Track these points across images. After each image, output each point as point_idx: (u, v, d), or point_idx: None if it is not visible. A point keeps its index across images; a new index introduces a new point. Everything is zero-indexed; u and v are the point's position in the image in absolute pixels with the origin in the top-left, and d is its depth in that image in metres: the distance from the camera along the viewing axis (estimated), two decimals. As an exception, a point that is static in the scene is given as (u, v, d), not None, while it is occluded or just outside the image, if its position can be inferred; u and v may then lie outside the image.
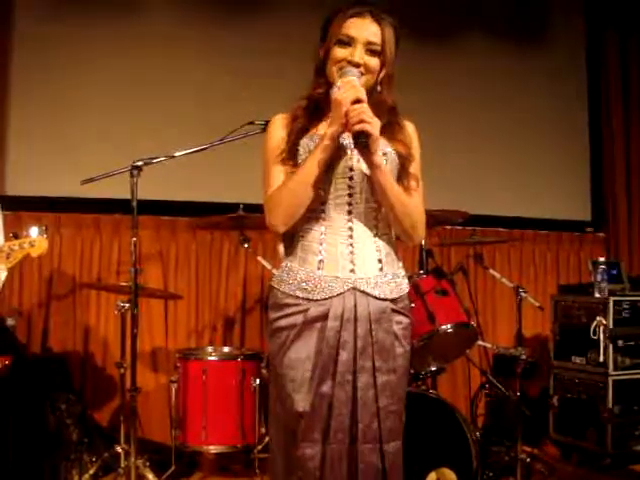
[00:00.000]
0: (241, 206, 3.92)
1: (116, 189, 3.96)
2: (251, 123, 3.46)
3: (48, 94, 4.72)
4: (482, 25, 5.66)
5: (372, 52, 2.24)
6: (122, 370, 3.89)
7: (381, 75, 2.28)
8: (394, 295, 2.31)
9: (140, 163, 3.57)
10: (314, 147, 2.21)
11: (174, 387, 4.09)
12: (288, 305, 2.27)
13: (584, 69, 6.08)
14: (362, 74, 2.23)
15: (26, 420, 3.74)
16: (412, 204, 2.27)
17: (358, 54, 2.23)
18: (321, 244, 2.26)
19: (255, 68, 4.91)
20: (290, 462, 2.26)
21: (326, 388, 2.21)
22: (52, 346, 4.65)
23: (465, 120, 5.53)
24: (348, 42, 2.23)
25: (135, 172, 3.57)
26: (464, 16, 5.62)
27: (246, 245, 4.08)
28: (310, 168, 2.18)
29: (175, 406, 4.08)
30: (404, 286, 2.36)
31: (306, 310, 2.24)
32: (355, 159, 2.25)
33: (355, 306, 2.24)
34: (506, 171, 5.64)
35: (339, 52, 2.24)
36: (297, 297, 2.26)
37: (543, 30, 5.91)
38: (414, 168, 2.32)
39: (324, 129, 2.22)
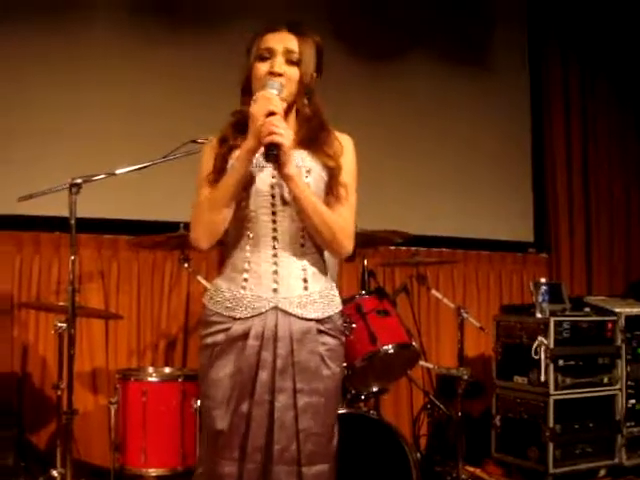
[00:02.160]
0: (181, 225, 3.88)
1: (57, 207, 3.90)
2: (194, 141, 3.43)
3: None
4: (423, 44, 5.70)
5: (291, 62, 2.27)
6: (59, 392, 3.78)
7: (302, 85, 2.29)
8: (320, 315, 2.29)
9: (79, 180, 3.50)
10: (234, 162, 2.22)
11: (113, 409, 4.00)
12: (214, 323, 2.29)
13: (527, 89, 6.18)
14: (283, 85, 2.24)
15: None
16: (333, 216, 2.27)
17: (278, 64, 2.26)
18: (247, 263, 2.27)
19: (200, 86, 4.89)
20: (211, 478, 2.27)
21: (245, 407, 2.21)
22: (-12, 367, 4.53)
23: (408, 140, 5.57)
24: (268, 56, 2.27)
25: (74, 189, 3.49)
26: (405, 35, 5.65)
27: (186, 265, 4.03)
28: (226, 184, 2.20)
29: (114, 428, 4.00)
30: (333, 306, 2.34)
31: (228, 329, 2.25)
32: (276, 174, 2.26)
33: (276, 326, 2.24)
34: (449, 192, 5.67)
35: (261, 67, 2.27)
36: (222, 315, 2.27)
37: (485, 47, 5.99)
38: (344, 177, 2.31)
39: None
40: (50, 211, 4.30)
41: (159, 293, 4.88)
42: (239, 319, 2.25)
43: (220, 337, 2.26)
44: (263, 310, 2.24)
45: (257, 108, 2.15)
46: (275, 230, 2.27)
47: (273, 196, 2.26)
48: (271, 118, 2.13)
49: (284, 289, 2.26)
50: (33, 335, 4.61)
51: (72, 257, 3.52)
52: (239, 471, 2.20)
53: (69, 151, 4.61)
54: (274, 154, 2.12)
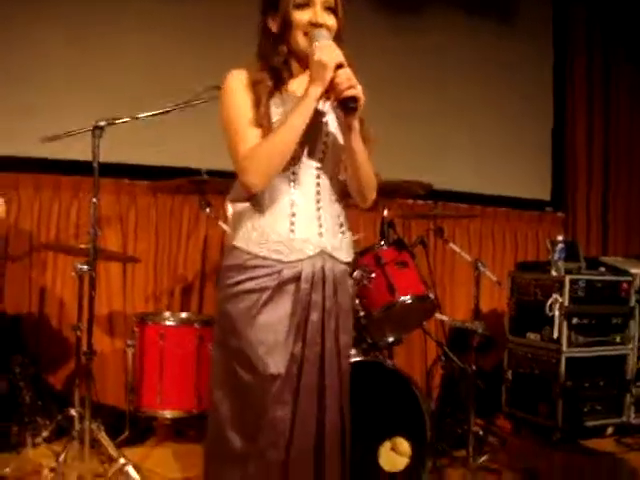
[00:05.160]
0: (203, 170, 3.87)
1: (76, 150, 3.90)
2: (217, 87, 3.40)
3: (4, 53, 4.58)
4: (452, 1, 5.66)
5: (329, 10, 2.25)
6: (78, 333, 3.78)
7: (339, 34, 2.27)
8: (350, 259, 2.40)
9: (103, 123, 3.50)
10: (295, 106, 2.17)
11: (130, 351, 4.07)
12: (258, 267, 2.24)
13: (550, 49, 6.13)
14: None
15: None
16: (371, 166, 2.32)
17: (319, 13, 2.22)
18: (292, 206, 2.27)
19: (218, 33, 4.86)
20: (248, 429, 2.22)
21: (297, 349, 2.24)
22: (6, 307, 4.56)
23: (431, 95, 5.55)
24: (306, 3, 2.23)
25: (97, 132, 3.49)
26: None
27: (207, 210, 3.99)
28: (294, 126, 2.16)
29: (131, 371, 4.06)
30: (352, 251, 2.45)
31: (279, 272, 2.24)
32: (331, 124, 2.30)
33: (323, 268, 2.29)
34: (470, 148, 5.67)
35: (300, 15, 2.22)
36: (268, 259, 2.24)
37: (510, 6, 5.92)
38: (365, 129, 2.31)
39: (297, 89, 2.24)
40: (70, 155, 4.33)
41: (177, 239, 4.91)
42: (288, 262, 2.25)
43: (270, 281, 2.23)
44: (311, 254, 2.27)
45: (327, 58, 2.12)
46: (319, 177, 2.30)
47: (325, 143, 2.29)
48: (343, 71, 2.12)
49: (328, 233, 2.31)
50: (51, 277, 4.67)
51: (94, 199, 3.53)
52: (292, 413, 2.22)
53: (90, 98, 4.59)
54: (353, 107, 2.14)
